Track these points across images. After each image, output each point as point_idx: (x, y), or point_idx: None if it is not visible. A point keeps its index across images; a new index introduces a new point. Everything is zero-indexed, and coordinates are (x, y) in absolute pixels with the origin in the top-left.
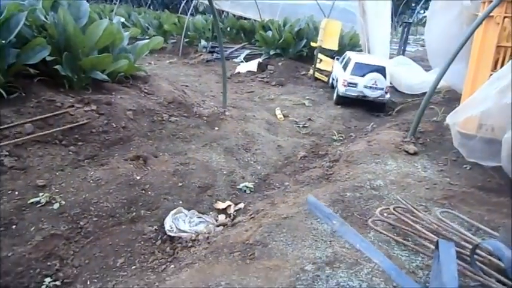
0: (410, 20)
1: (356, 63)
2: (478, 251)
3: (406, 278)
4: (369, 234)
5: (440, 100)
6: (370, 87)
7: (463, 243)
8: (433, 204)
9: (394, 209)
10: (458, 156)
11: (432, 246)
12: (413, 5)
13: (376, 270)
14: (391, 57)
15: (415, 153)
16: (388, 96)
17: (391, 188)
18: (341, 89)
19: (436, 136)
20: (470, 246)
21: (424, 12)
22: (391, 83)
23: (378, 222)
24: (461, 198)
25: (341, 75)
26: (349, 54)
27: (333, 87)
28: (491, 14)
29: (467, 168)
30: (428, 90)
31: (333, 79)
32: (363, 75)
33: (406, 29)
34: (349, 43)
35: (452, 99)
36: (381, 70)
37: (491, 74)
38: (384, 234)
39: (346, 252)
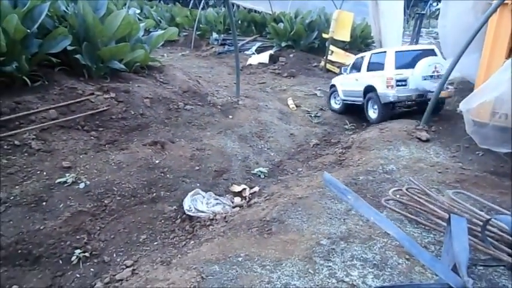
0: (423, 12)
1: (397, 52)
2: (489, 227)
3: (419, 248)
4: (382, 213)
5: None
6: (431, 76)
7: (475, 220)
8: (445, 187)
9: (406, 189)
10: (471, 143)
11: (444, 224)
12: None
13: (389, 244)
14: None
15: (427, 140)
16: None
17: (403, 172)
18: (388, 93)
19: (448, 124)
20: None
21: (437, 5)
22: None
23: (391, 202)
24: (474, 182)
25: (379, 77)
26: (368, 53)
27: (334, 108)
28: (505, 2)
29: (480, 154)
30: (441, 79)
31: (344, 100)
32: (413, 66)
33: (419, 21)
34: (360, 35)
35: (465, 89)
36: (432, 53)
37: (505, 62)
38: (397, 212)
39: (359, 229)
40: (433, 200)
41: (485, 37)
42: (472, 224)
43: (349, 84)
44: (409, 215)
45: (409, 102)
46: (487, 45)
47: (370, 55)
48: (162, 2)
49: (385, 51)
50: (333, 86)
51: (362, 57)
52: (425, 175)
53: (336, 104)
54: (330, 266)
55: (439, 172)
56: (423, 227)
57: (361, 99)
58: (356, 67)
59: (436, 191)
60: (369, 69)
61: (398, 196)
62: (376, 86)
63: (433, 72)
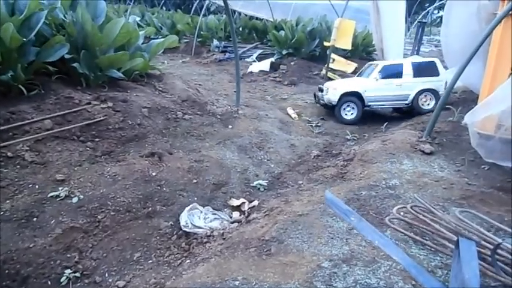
0: (425, 20)
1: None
2: (499, 251)
3: (427, 276)
4: (385, 232)
5: (456, 100)
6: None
7: (483, 243)
8: (451, 204)
9: (411, 207)
10: (476, 156)
11: (451, 246)
12: (426, 4)
13: (394, 268)
14: (404, 57)
15: (431, 153)
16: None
17: (407, 187)
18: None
19: (452, 136)
20: (491, 246)
21: (438, 12)
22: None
23: (395, 221)
24: (480, 199)
25: (433, 82)
26: (407, 61)
27: (348, 120)
28: (510, 13)
29: (486, 168)
30: (445, 90)
31: (368, 105)
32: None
33: (420, 29)
34: (362, 43)
35: (468, 99)
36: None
37: (510, 74)
38: (402, 232)
39: (362, 250)
40: (439, 219)
41: (488, 47)
42: (480, 247)
43: (382, 90)
44: (414, 236)
45: None
46: (491, 56)
47: (411, 63)
48: (163, 8)
49: (433, 61)
50: (345, 95)
51: (397, 65)
52: (429, 191)
53: (351, 115)
54: None
55: (444, 188)
56: (429, 248)
57: (404, 102)
58: (387, 74)
59: (442, 209)
60: (415, 76)
61: (402, 214)
62: (437, 89)
63: None
